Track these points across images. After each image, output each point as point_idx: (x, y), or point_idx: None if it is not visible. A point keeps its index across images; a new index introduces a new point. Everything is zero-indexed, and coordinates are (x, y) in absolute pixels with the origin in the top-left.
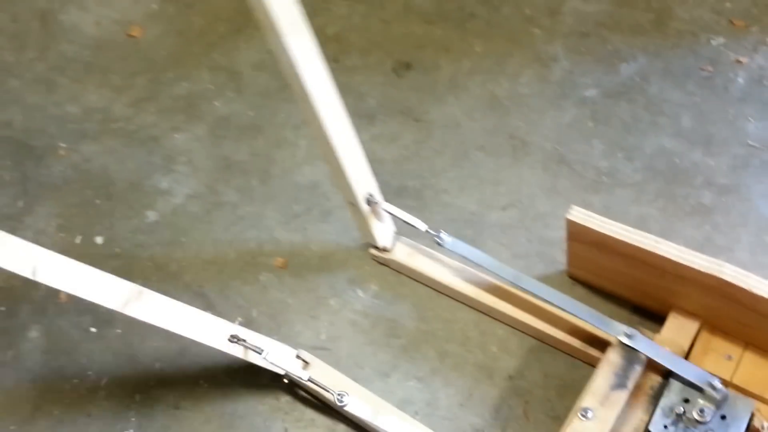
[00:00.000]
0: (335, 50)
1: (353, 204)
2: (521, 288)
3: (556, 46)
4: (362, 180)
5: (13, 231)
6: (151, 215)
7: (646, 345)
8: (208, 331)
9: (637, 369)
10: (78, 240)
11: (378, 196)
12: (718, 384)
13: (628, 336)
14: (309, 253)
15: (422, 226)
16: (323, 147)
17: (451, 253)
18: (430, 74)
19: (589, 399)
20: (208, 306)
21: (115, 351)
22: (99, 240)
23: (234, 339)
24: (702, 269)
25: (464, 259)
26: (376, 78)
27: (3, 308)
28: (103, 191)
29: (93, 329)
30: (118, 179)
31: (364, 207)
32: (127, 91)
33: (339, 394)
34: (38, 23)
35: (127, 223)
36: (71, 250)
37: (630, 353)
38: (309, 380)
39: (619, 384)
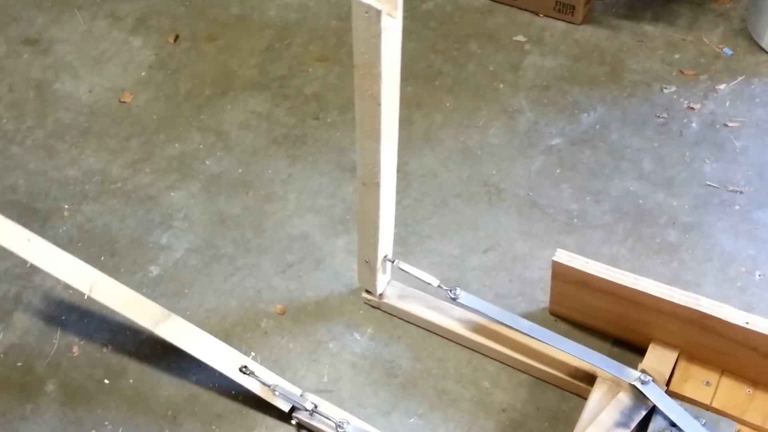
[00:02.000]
0: (315, 108)
1: (368, 262)
2: (538, 339)
3: (520, 99)
4: (386, 244)
5: (22, 291)
6: (154, 269)
7: (657, 394)
8: (223, 359)
9: (642, 413)
10: (86, 297)
11: (394, 256)
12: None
13: (643, 382)
14: (305, 299)
15: (435, 281)
16: (365, 218)
17: (438, 293)
18: (405, 128)
19: (594, 429)
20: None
21: (129, 400)
22: None
23: (245, 370)
24: (680, 303)
25: (477, 312)
26: (354, 133)
27: (20, 364)
28: (107, 249)
29: (106, 381)
30: (121, 237)
31: (379, 265)
32: (123, 153)
33: (340, 421)
34: (34, 92)
35: (131, 277)
36: (81, 305)
37: (639, 397)
38: (314, 411)
39: (623, 423)
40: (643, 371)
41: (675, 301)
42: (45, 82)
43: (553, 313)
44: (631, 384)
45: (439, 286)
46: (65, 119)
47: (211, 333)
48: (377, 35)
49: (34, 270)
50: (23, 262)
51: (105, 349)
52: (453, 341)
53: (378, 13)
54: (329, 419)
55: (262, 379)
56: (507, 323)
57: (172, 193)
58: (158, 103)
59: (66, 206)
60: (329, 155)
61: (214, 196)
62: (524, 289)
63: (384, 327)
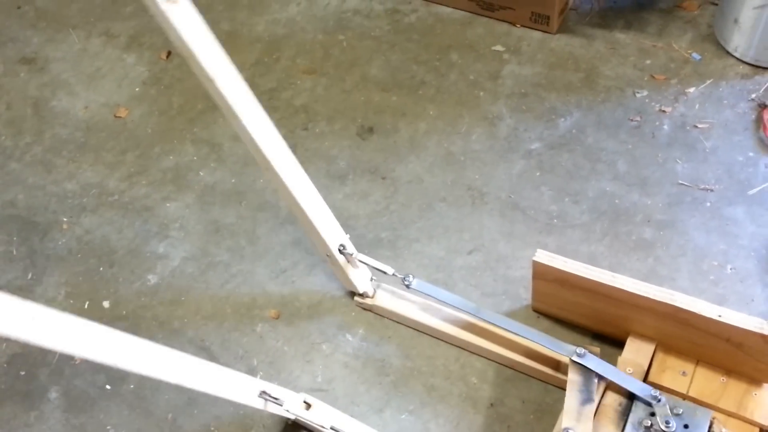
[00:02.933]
0: (304, 119)
1: (330, 256)
2: (484, 319)
3: (500, 106)
4: (333, 234)
5: (25, 299)
6: (152, 278)
7: (594, 362)
8: (240, 389)
9: (594, 381)
10: (86, 306)
11: (350, 247)
12: (657, 394)
13: (579, 355)
14: (299, 303)
15: (389, 270)
16: (294, 210)
17: (426, 296)
18: (390, 136)
19: (567, 419)
20: (211, 358)
21: (130, 405)
22: (106, 304)
23: (264, 396)
24: (656, 298)
25: (430, 297)
26: (343, 142)
27: (23, 373)
28: (105, 259)
29: (108, 387)
30: (119, 247)
31: (340, 258)
32: (119, 167)
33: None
34: (31, 110)
35: (130, 287)
36: (80, 316)
37: (584, 370)
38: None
39: (586, 399)
40: (582, 348)
41: (651, 296)
42: (42, 100)
43: (535, 310)
44: (571, 360)
45: (393, 274)
46: (62, 135)
47: (208, 340)
48: (167, 19)
49: (35, 281)
50: (24, 273)
51: None
52: (441, 340)
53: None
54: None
55: (274, 399)
56: (455, 305)
57: (168, 204)
58: (152, 117)
59: (65, 219)
60: (318, 164)
61: (208, 205)
62: (508, 287)
63: (375, 328)
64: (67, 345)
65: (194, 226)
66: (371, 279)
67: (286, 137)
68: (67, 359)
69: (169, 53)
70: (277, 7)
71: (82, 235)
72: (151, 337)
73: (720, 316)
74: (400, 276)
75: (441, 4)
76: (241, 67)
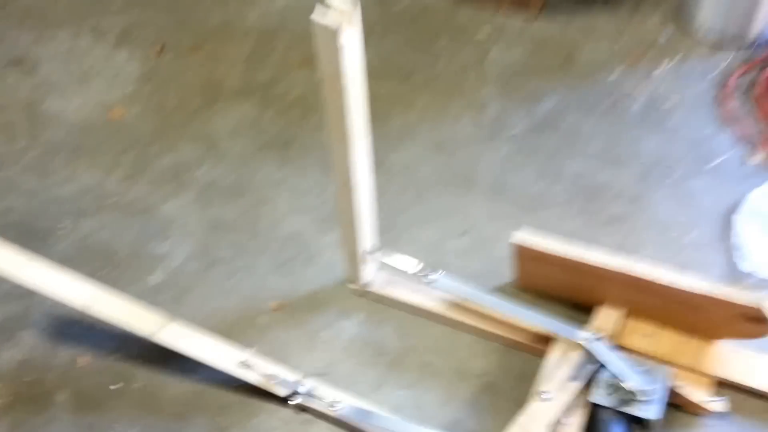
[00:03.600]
0: (300, 112)
1: (352, 256)
2: (507, 312)
3: (486, 91)
4: (369, 237)
5: (27, 307)
6: (155, 278)
7: (602, 351)
8: (223, 357)
9: (591, 368)
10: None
11: (377, 248)
12: (640, 387)
13: (590, 341)
14: (299, 294)
15: (413, 268)
16: (344, 215)
17: (418, 280)
18: (383, 125)
19: (548, 385)
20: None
21: (138, 403)
22: None
23: (244, 365)
24: (620, 269)
25: (455, 292)
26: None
27: (30, 378)
28: (107, 262)
29: (115, 386)
30: (120, 249)
31: (361, 259)
32: (117, 168)
33: (332, 401)
34: (24, 114)
35: (133, 288)
36: (85, 317)
37: (588, 355)
38: (308, 393)
39: (575, 377)
40: (592, 332)
41: (615, 268)
42: (34, 103)
43: (519, 287)
44: (580, 343)
45: (417, 272)
46: (57, 138)
47: (212, 333)
48: (337, 51)
49: None
50: None
51: (112, 357)
52: (433, 320)
53: (335, 32)
54: (323, 399)
55: (261, 371)
56: (478, 300)
57: (168, 204)
58: (148, 116)
59: (64, 224)
60: (315, 156)
61: (208, 203)
62: (495, 266)
63: (371, 312)
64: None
65: (195, 224)
66: (376, 270)
67: (282, 131)
68: (72, 362)
69: (161, 48)
70: None
71: (82, 238)
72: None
73: (675, 281)
74: (422, 273)
75: None
76: (236, 60)
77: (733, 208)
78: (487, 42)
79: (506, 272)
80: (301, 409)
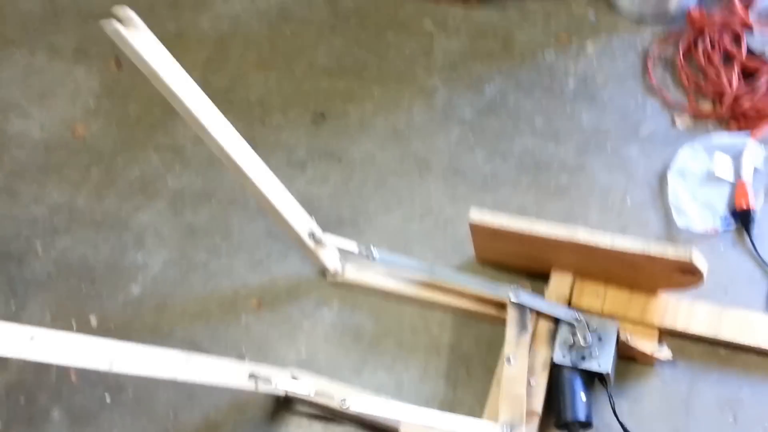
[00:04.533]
0: (261, 113)
1: (300, 241)
2: (440, 277)
3: (435, 79)
4: (301, 222)
5: None
6: (135, 288)
7: (526, 297)
8: (230, 374)
9: (528, 314)
10: (74, 325)
11: (318, 232)
12: (577, 315)
13: (515, 294)
14: (278, 289)
15: (354, 248)
16: (262, 204)
17: (388, 265)
18: (342, 120)
19: (508, 348)
20: (202, 353)
21: (132, 411)
22: (93, 321)
23: (253, 376)
24: (565, 237)
25: (393, 265)
26: (299, 131)
27: (22, 399)
28: (86, 277)
29: (107, 398)
30: (97, 263)
31: (310, 243)
32: (85, 183)
33: (342, 400)
34: None
35: (114, 300)
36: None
37: (519, 305)
38: (316, 394)
39: (522, 329)
40: (515, 285)
41: (561, 236)
42: None
43: (480, 261)
44: (508, 299)
45: (358, 251)
46: (21, 158)
47: (197, 337)
48: (130, 46)
49: (19, 309)
50: (6, 304)
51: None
52: (404, 301)
53: (122, 36)
54: (330, 396)
55: (265, 379)
56: (412, 268)
57: (140, 214)
58: (111, 129)
59: (39, 243)
60: (279, 154)
61: (179, 209)
62: (455, 244)
63: (347, 300)
64: (64, 358)
65: (169, 231)
66: (339, 257)
67: (244, 132)
68: (63, 379)
69: (119, 62)
70: (220, 3)
71: (58, 257)
72: (143, 343)
73: (612, 243)
74: (363, 252)
75: None
76: (193, 66)
77: (665, 169)
78: (431, 33)
79: (466, 249)
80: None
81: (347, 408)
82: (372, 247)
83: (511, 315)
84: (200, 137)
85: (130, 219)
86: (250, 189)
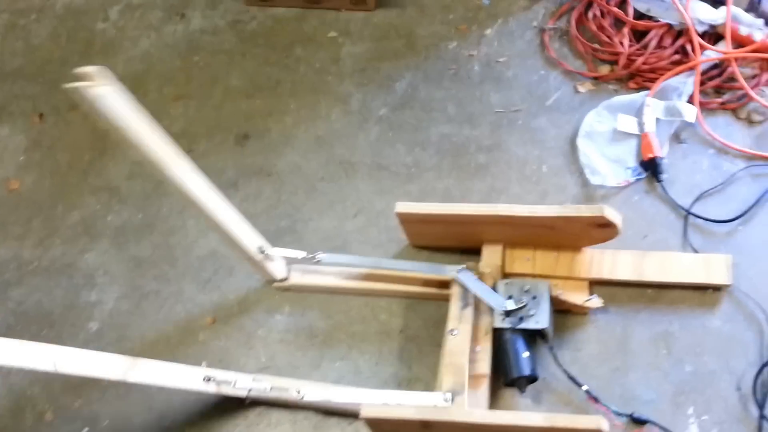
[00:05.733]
0: (186, 142)
1: (250, 258)
2: (384, 268)
3: (347, 84)
4: (251, 239)
5: None
6: (93, 325)
7: (467, 278)
8: (187, 378)
9: (471, 294)
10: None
11: (267, 246)
12: (511, 305)
13: (458, 272)
14: (229, 304)
15: (301, 255)
16: (213, 228)
17: (336, 266)
18: (265, 137)
19: (451, 322)
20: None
21: None
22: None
23: (207, 378)
24: (485, 213)
25: (340, 264)
26: (226, 154)
27: None
28: (45, 322)
29: (85, 430)
30: (54, 307)
31: (259, 257)
32: (29, 235)
33: (297, 391)
34: None
35: (75, 339)
36: (43, 375)
37: (462, 285)
38: (271, 389)
39: (465, 305)
40: (461, 265)
41: (481, 211)
42: None
43: (414, 246)
44: (452, 277)
45: (304, 257)
46: None
47: (160, 360)
48: (95, 104)
49: None
50: None
51: (75, 404)
52: (351, 294)
53: (86, 90)
54: (286, 389)
55: (224, 380)
56: (362, 265)
57: (86, 255)
58: (45, 180)
59: None
60: (210, 179)
61: (124, 245)
62: (390, 235)
63: (297, 302)
64: (10, 360)
65: (117, 267)
66: (285, 264)
67: None
68: (39, 418)
69: (41, 115)
70: (129, 45)
71: (15, 308)
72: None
73: (531, 212)
74: (309, 257)
75: (275, 6)
76: None
77: (574, 135)
78: (337, 42)
79: (400, 237)
80: (257, 403)
81: (302, 398)
82: (318, 253)
83: (454, 291)
84: (152, 172)
85: (78, 261)
86: (204, 218)
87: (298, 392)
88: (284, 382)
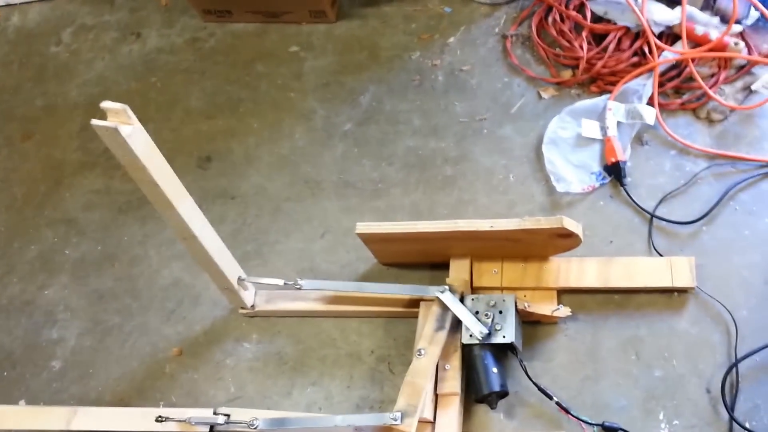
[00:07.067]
0: None
1: (228, 288)
2: (367, 291)
3: (310, 101)
4: (233, 270)
5: None
6: (56, 363)
7: (450, 300)
8: (132, 420)
9: (450, 314)
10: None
11: (243, 275)
12: (484, 330)
13: (442, 293)
14: (196, 334)
15: (281, 282)
16: (202, 262)
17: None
18: (227, 158)
19: (421, 342)
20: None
21: None
22: (22, 403)
23: (160, 418)
24: (446, 229)
25: (322, 290)
26: (188, 178)
27: None
28: (6, 363)
29: None
30: (15, 347)
31: (237, 287)
32: None
33: (251, 420)
34: None
35: (39, 378)
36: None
37: (443, 305)
38: (226, 422)
39: (440, 326)
40: (442, 286)
41: (443, 228)
42: None
43: (382, 264)
44: (435, 297)
45: (285, 284)
46: None
47: (127, 397)
48: (125, 144)
49: None
50: None
51: None
52: (319, 317)
53: (115, 130)
54: (241, 422)
55: (177, 417)
56: (344, 290)
57: (46, 291)
58: (0, 215)
59: None
60: None
61: (84, 279)
62: (359, 254)
63: (264, 329)
64: None
65: (78, 302)
66: (254, 292)
67: (134, 191)
68: None
69: None
70: (83, 68)
71: None
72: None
73: (492, 226)
74: (290, 283)
75: (233, 22)
76: (69, 136)
77: (539, 142)
78: (299, 56)
79: (369, 256)
80: None
81: (256, 428)
82: (298, 279)
83: (432, 311)
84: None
85: (37, 298)
86: (187, 243)
87: (251, 423)
88: (242, 413)
